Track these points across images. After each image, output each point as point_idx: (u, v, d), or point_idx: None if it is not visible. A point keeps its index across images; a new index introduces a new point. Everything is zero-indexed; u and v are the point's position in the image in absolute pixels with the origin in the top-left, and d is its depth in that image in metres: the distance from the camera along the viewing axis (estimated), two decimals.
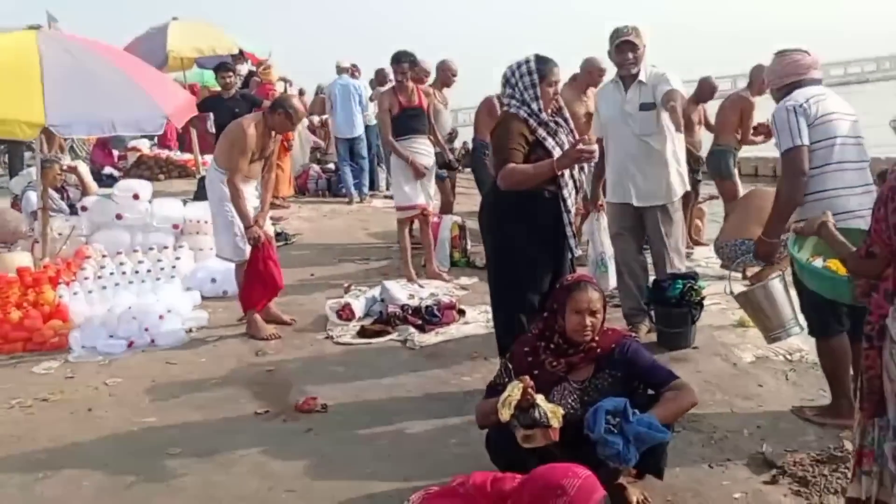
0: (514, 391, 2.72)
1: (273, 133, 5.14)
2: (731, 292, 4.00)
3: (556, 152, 3.68)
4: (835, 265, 2.96)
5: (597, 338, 2.99)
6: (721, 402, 3.89)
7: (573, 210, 3.82)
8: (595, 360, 2.99)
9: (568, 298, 2.94)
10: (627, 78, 4.66)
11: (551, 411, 2.71)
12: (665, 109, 4.50)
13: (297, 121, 5.25)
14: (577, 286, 2.97)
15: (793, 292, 3.72)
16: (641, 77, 4.62)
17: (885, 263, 2.40)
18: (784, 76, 3.57)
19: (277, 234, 7.96)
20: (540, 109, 3.70)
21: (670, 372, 2.96)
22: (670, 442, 2.90)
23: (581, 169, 3.93)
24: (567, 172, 3.74)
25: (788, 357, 4.49)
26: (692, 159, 7.76)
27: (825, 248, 2.99)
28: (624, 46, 4.56)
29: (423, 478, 3.08)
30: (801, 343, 4.55)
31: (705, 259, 7.07)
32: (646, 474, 2.96)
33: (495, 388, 2.96)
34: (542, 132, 3.69)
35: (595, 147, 3.67)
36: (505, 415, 2.70)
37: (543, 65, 3.71)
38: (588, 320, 2.91)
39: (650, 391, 2.95)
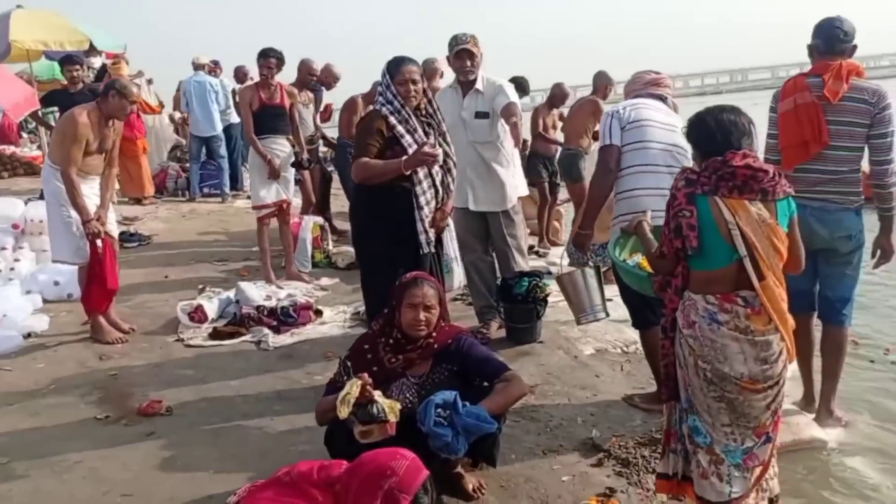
0: (352, 389, 2.78)
1: (112, 123, 4.91)
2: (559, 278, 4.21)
3: (413, 150, 3.77)
4: (646, 263, 3.22)
5: (434, 333, 3.09)
6: (560, 392, 4.11)
7: (426, 208, 3.90)
8: (432, 355, 3.10)
9: (403, 294, 3.03)
10: (465, 84, 4.81)
11: (389, 406, 2.78)
12: (507, 123, 4.67)
13: (132, 99, 4.99)
14: (413, 282, 3.06)
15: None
16: (479, 85, 4.78)
17: (676, 262, 2.63)
18: (630, 92, 4.01)
19: (131, 235, 7.70)
20: (402, 106, 3.80)
21: (503, 364, 3.11)
22: (503, 430, 3.05)
23: (447, 170, 4.03)
24: (423, 171, 3.83)
25: (625, 349, 4.79)
26: (548, 163, 8.11)
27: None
28: (463, 54, 4.70)
29: (266, 476, 3.07)
30: (638, 336, 4.87)
31: (559, 258, 7.37)
32: (480, 462, 3.09)
33: (335, 386, 3.00)
34: (400, 129, 3.77)
35: (438, 151, 3.78)
36: (343, 412, 2.75)
37: (393, 65, 3.81)
38: (422, 315, 3.01)
39: (486, 383, 3.09)
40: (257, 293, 5.53)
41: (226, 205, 10.17)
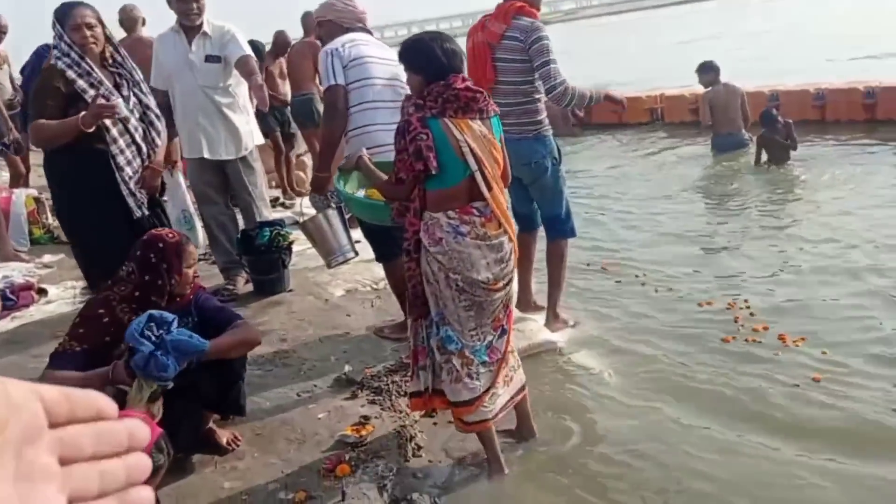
0: (146, 391, 2.55)
1: None
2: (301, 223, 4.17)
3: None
4: (375, 195, 3.30)
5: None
6: (312, 335, 4.13)
7: (128, 168, 3.65)
8: (174, 311, 2.94)
9: (182, 255, 2.82)
10: (191, 29, 4.55)
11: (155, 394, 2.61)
12: (248, 82, 4.53)
13: None
14: (187, 241, 2.88)
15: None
16: (206, 28, 4.55)
17: (412, 187, 2.74)
18: (328, 11, 3.93)
19: None
20: (81, 57, 3.48)
21: (236, 314, 3.02)
22: (251, 381, 3.01)
23: (149, 124, 3.76)
24: (117, 129, 3.56)
25: (374, 286, 4.90)
26: (278, 113, 7.94)
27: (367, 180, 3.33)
28: None
29: None
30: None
31: (306, 208, 7.31)
32: (230, 416, 3.03)
33: (63, 355, 2.74)
34: (81, 83, 3.47)
35: (118, 101, 3.51)
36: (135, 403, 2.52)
37: (61, 12, 3.50)
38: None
39: None
40: None
41: None
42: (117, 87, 3.59)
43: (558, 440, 3.21)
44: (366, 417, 3.18)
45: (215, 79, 4.59)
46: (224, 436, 3.01)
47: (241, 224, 5.03)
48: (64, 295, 5.00)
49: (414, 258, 2.81)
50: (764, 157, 8.19)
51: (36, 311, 4.74)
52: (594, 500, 2.83)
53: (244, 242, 4.75)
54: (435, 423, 3.29)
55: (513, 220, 2.89)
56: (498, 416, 2.91)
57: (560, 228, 4.21)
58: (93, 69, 3.49)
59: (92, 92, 3.47)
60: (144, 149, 3.71)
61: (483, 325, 2.82)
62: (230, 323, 2.89)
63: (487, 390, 2.83)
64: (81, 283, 5.15)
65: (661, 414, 3.43)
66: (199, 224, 5.02)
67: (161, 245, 2.81)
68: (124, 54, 3.72)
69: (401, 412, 3.27)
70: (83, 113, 3.40)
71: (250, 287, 4.92)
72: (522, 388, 3.05)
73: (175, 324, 2.55)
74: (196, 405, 2.85)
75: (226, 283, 4.93)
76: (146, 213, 3.75)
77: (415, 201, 2.76)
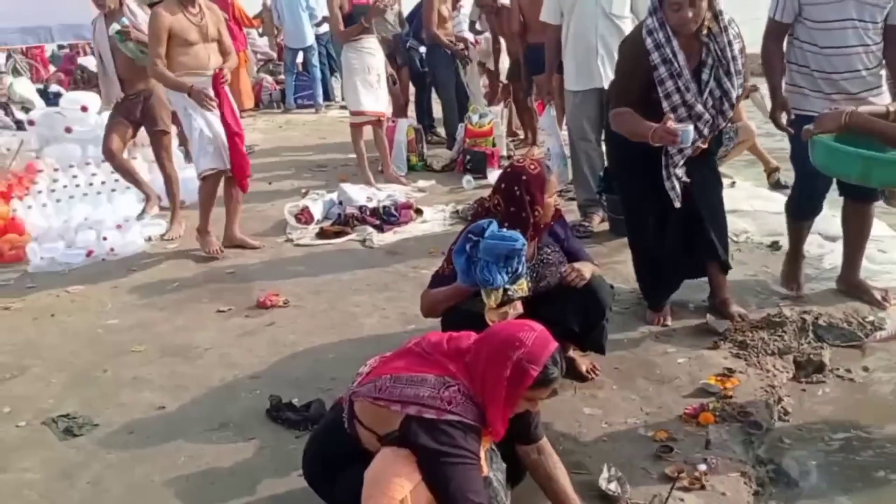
0: (493, 302, 2.72)
1: (199, 8, 4.61)
2: None
3: (675, 98, 3.13)
4: None
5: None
6: None
7: (678, 157, 3.25)
8: (537, 238, 3.04)
9: (545, 185, 2.89)
10: None
11: (519, 287, 2.76)
12: None
13: None
14: (549, 172, 2.92)
15: None
16: None
17: None
18: None
19: None
20: (668, 40, 3.08)
21: (586, 253, 3.09)
22: (611, 320, 3.00)
23: (720, 113, 3.25)
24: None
25: (735, 238, 4.60)
26: None
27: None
28: None
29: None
30: (747, 225, 4.72)
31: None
32: (588, 351, 3.09)
33: (442, 277, 2.97)
34: (662, 72, 3.12)
35: (689, 129, 3.06)
36: (493, 318, 2.70)
37: None
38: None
39: None
40: (359, 194, 5.61)
41: (319, 115, 10.28)
42: (698, 70, 3.15)
43: None
44: (730, 370, 3.06)
45: (624, 7, 4.53)
46: (584, 364, 3.09)
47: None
48: (436, 217, 5.48)
49: None
50: None
51: (413, 229, 5.27)
52: None
53: (607, 180, 4.75)
54: (804, 390, 3.05)
55: None
56: None
57: None
58: (676, 56, 3.08)
59: (676, 98, 3.13)
60: (706, 132, 3.28)
61: None
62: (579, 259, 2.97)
63: None
64: (450, 208, 5.62)
65: None
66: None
67: (524, 178, 2.84)
68: (725, 22, 3.12)
69: (767, 371, 3.09)
70: (653, 128, 3.05)
71: (605, 226, 4.94)
72: None
73: (492, 227, 2.60)
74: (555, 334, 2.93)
75: (582, 219, 5.00)
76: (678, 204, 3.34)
77: None
